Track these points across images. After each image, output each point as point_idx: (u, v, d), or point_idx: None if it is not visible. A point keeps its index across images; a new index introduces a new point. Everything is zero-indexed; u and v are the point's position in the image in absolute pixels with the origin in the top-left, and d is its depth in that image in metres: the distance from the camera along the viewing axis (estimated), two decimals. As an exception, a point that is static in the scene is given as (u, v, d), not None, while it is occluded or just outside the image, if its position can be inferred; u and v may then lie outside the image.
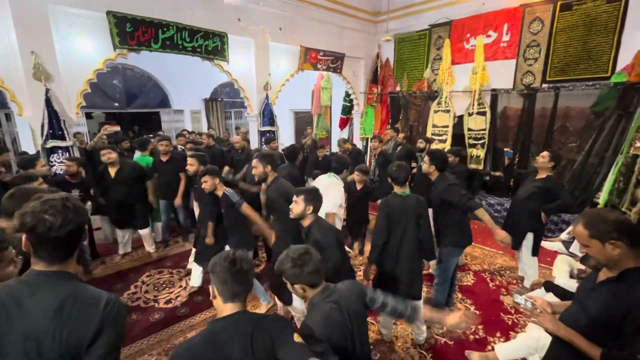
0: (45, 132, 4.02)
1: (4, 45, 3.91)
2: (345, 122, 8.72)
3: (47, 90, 3.98)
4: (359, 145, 8.34)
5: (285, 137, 9.84)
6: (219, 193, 3.05)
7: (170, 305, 3.52)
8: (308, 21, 6.75)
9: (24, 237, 1.04)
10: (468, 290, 3.79)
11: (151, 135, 6.91)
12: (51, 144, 4.07)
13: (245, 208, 2.94)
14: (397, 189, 2.68)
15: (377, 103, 8.19)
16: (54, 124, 4.02)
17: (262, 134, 6.43)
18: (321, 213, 2.51)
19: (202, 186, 3.03)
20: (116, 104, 8.52)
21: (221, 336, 1.18)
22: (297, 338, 1.24)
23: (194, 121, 9.46)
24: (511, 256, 4.52)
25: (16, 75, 3.96)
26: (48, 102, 3.96)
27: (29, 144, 4.48)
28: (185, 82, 8.72)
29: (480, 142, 6.24)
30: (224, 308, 1.24)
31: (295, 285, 1.49)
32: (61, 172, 4.00)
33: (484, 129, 6.15)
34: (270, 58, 6.36)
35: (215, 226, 3.31)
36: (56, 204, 1.05)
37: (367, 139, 8.47)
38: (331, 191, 3.36)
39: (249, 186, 3.98)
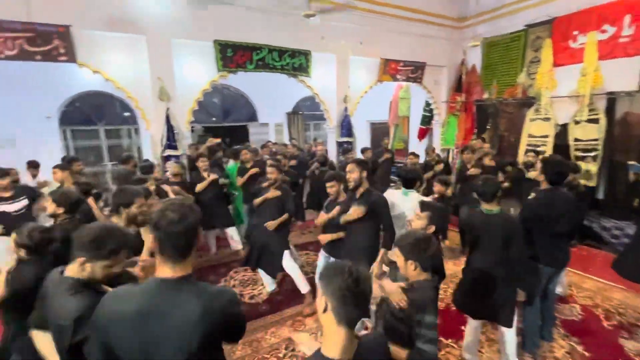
0: (163, 144, 4.86)
1: (139, 73, 4.87)
2: (424, 133, 8.40)
3: (167, 109, 4.83)
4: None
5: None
6: (341, 198, 3.10)
7: (253, 301, 3.82)
8: (388, 33, 6.78)
9: (152, 235, 1.14)
10: (574, 327, 3.24)
11: (242, 147, 7.69)
12: (167, 152, 4.89)
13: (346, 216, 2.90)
14: (484, 206, 2.48)
15: (461, 112, 7.70)
16: (170, 137, 4.84)
17: (339, 144, 6.62)
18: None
19: (328, 190, 3.10)
20: (214, 119, 9.77)
21: None
22: None
23: (277, 133, 10.22)
24: (636, 292, 3.72)
25: (146, 97, 4.90)
26: (167, 119, 4.81)
27: (149, 153, 5.44)
28: (270, 97, 9.53)
29: (591, 154, 5.35)
30: (338, 331, 1.03)
31: (408, 261, 1.63)
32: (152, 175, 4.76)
33: (596, 139, 5.26)
34: (349, 71, 6.57)
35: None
36: (176, 203, 1.17)
37: (449, 150, 8.00)
38: (407, 202, 3.17)
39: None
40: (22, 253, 1.83)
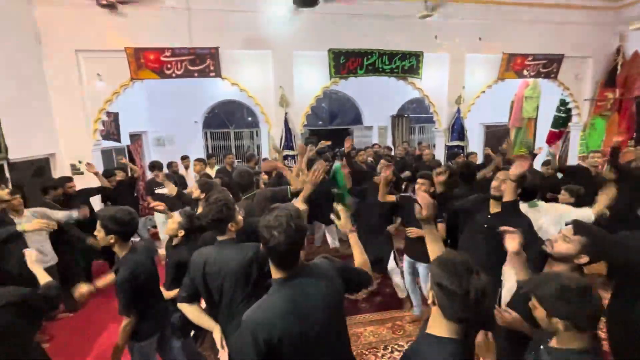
0: (282, 144, 5.48)
1: (265, 83, 5.60)
2: (556, 137, 7.14)
3: (286, 114, 5.44)
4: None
5: (475, 153, 9.04)
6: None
7: (352, 297, 3.95)
8: (514, 24, 6.04)
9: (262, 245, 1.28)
10: None
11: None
12: (285, 152, 5.49)
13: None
14: None
15: (612, 111, 6.25)
16: (288, 138, 5.43)
17: (449, 148, 6.22)
18: None
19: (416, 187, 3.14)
20: (320, 122, 10.42)
21: None
22: None
23: (380, 136, 10.22)
24: None
25: (269, 104, 5.61)
26: (286, 123, 5.41)
27: (266, 152, 6.19)
28: (376, 100, 9.60)
29: None
30: (445, 325, 1.09)
31: (553, 318, 1.21)
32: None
33: None
34: (464, 70, 6.10)
35: (381, 231, 3.48)
36: (283, 222, 1.21)
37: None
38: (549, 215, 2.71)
39: None
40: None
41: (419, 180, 3.02)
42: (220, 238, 1.81)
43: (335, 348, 1.37)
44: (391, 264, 3.58)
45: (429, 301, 1.11)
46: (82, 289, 2.17)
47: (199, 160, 5.16)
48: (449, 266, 1.05)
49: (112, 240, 1.93)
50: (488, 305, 1.05)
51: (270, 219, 1.23)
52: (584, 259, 1.59)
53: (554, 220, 2.66)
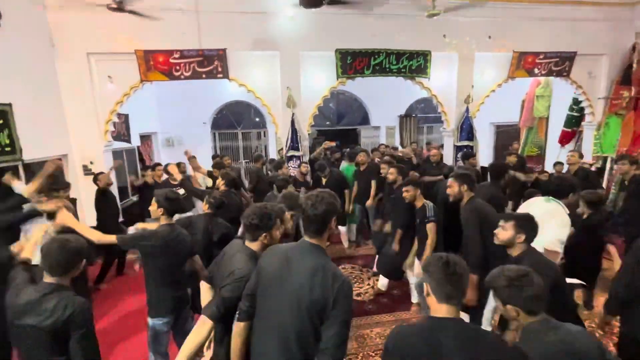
0: (287, 145, 5.49)
1: (272, 84, 5.62)
2: (569, 137, 6.98)
3: (293, 114, 5.44)
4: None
5: (483, 153, 8.91)
6: (418, 204, 3.16)
7: (359, 299, 3.93)
8: (525, 22, 5.93)
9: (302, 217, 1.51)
10: None
11: (359, 149, 7.97)
12: (290, 153, 5.50)
13: (430, 227, 3.00)
14: None
15: (628, 110, 6.08)
16: (294, 139, 5.44)
17: (458, 149, 6.13)
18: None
19: (403, 195, 3.23)
20: (327, 123, 10.41)
21: (441, 339, 1.20)
22: None
23: (388, 136, 10.15)
24: None
25: (276, 104, 5.63)
26: (292, 123, 5.41)
27: (274, 153, 6.21)
28: (383, 100, 9.54)
29: None
30: (439, 308, 1.27)
31: (507, 306, 1.40)
32: (293, 174, 5.33)
33: None
34: (473, 69, 6.02)
35: (403, 235, 3.46)
36: (314, 195, 1.49)
37: (606, 158, 6.42)
38: (551, 221, 2.65)
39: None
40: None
41: (404, 189, 3.22)
42: (249, 244, 1.78)
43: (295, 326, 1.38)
44: (417, 268, 3.51)
45: (424, 293, 1.32)
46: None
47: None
48: (435, 257, 1.33)
49: (160, 213, 2.27)
50: (467, 281, 1.28)
51: (309, 194, 1.51)
52: (522, 236, 1.95)
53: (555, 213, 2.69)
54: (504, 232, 2.03)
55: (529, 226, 1.98)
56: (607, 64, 6.35)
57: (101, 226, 3.77)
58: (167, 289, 2.25)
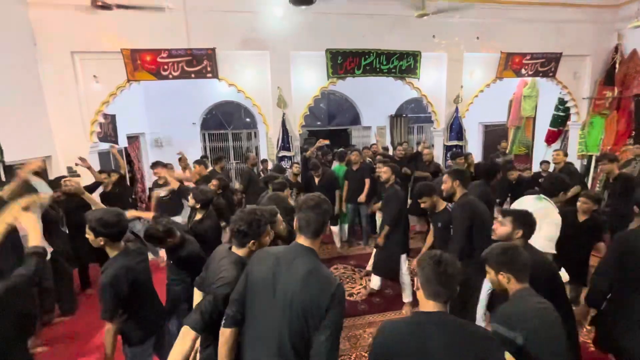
0: (278, 145, 5.44)
1: (262, 84, 5.56)
2: (555, 136, 7.13)
3: (283, 114, 5.40)
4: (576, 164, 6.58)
5: (472, 153, 9.03)
6: (440, 207, 3.10)
7: (351, 299, 3.92)
8: (512, 23, 6.03)
9: (296, 218, 1.50)
10: None
11: (347, 149, 7.97)
12: (281, 153, 5.46)
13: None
14: None
15: (611, 110, 6.24)
16: (285, 139, 5.40)
17: (448, 148, 6.19)
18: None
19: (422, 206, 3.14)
20: (319, 123, 10.39)
21: (427, 330, 1.24)
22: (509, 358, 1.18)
23: (379, 136, 10.20)
24: None
25: (267, 104, 5.57)
26: (283, 123, 5.38)
27: (265, 153, 6.16)
28: (374, 100, 9.58)
29: None
30: (426, 303, 1.31)
31: (499, 275, 1.57)
32: (286, 175, 5.29)
33: None
34: (462, 69, 6.08)
35: (391, 231, 3.49)
36: (314, 197, 1.49)
37: (590, 156, 6.57)
38: (544, 220, 2.60)
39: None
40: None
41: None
42: (235, 250, 1.72)
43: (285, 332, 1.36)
44: (403, 265, 3.55)
45: (416, 288, 1.37)
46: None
47: (196, 162, 5.12)
48: (430, 254, 1.35)
49: (102, 242, 1.90)
50: (457, 282, 1.29)
51: (304, 197, 1.52)
52: (518, 232, 1.97)
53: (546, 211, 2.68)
54: (502, 227, 2.04)
55: (527, 222, 1.99)
56: (591, 65, 6.50)
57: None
58: (139, 315, 2.04)
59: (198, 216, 2.95)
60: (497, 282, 1.61)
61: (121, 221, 1.94)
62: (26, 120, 4.40)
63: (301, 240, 1.47)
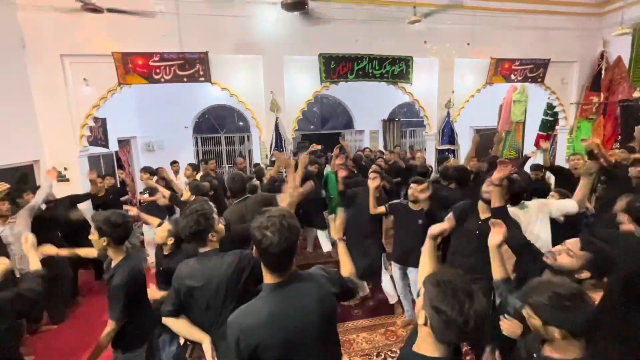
0: (272, 149, 5.44)
1: (256, 88, 5.56)
2: (544, 140, 7.23)
3: (277, 119, 5.41)
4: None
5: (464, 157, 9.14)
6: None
7: (345, 304, 3.90)
8: (501, 30, 6.15)
9: (254, 248, 1.24)
10: None
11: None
12: (274, 158, 5.43)
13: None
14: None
15: (598, 115, 6.39)
16: (278, 143, 5.39)
17: (440, 152, 6.26)
18: None
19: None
20: (312, 127, 10.42)
21: None
22: None
23: (372, 140, 10.26)
24: None
25: (260, 108, 5.57)
26: (276, 127, 5.37)
27: (258, 157, 6.15)
28: (367, 105, 9.65)
29: None
30: (435, 346, 1.05)
31: (549, 327, 1.18)
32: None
33: None
34: (454, 75, 6.17)
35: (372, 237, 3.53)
36: (276, 222, 1.18)
37: (578, 160, 6.69)
38: (551, 206, 2.65)
39: None
40: None
41: (412, 186, 3.01)
42: (202, 250, 1.74)
43: (324, 358, 1.34)
44: (383, 265, 3.56)
45: (420, 321, 1.06)
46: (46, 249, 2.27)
47: (191, 164, 5.09)
48: (449, 290, 0.98)
49: (104, 243, 1.91)
50: (483, 328, 0.99)
51: (262, 220, 1.19)
52: (585, 274, 1.53)
53: (538, 208, 2.63)
54: (568, 257, 1.57)
55: (603, 268, 1.57)
56: (578, 71, 6.66)
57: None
58: (136, 320, 2.01)
59: None
60: (543, 331, 1.22)
61: (126, 222, 1.96)
62: (14, 123, 4.32)
63: (269, 278, 1.28)
